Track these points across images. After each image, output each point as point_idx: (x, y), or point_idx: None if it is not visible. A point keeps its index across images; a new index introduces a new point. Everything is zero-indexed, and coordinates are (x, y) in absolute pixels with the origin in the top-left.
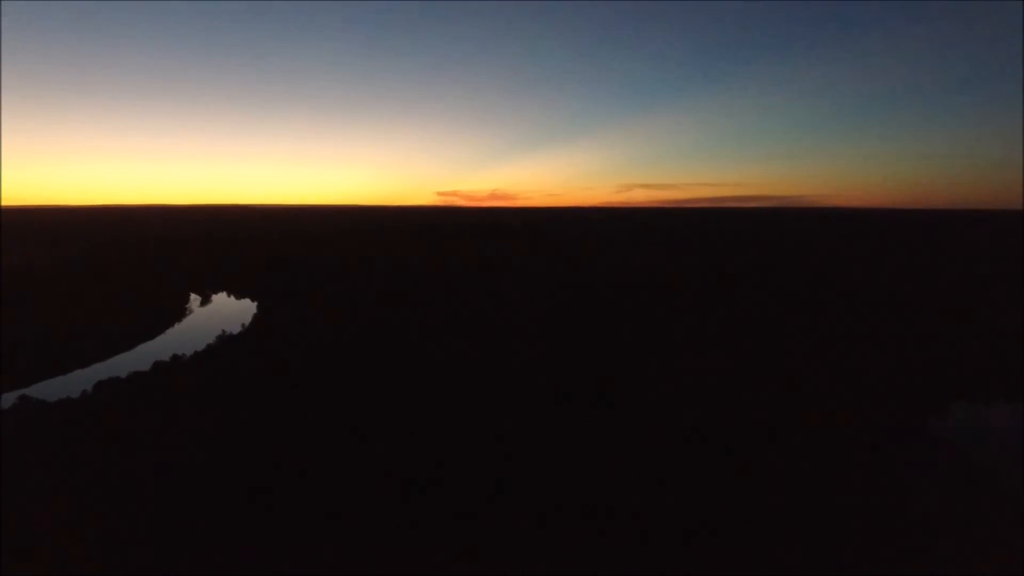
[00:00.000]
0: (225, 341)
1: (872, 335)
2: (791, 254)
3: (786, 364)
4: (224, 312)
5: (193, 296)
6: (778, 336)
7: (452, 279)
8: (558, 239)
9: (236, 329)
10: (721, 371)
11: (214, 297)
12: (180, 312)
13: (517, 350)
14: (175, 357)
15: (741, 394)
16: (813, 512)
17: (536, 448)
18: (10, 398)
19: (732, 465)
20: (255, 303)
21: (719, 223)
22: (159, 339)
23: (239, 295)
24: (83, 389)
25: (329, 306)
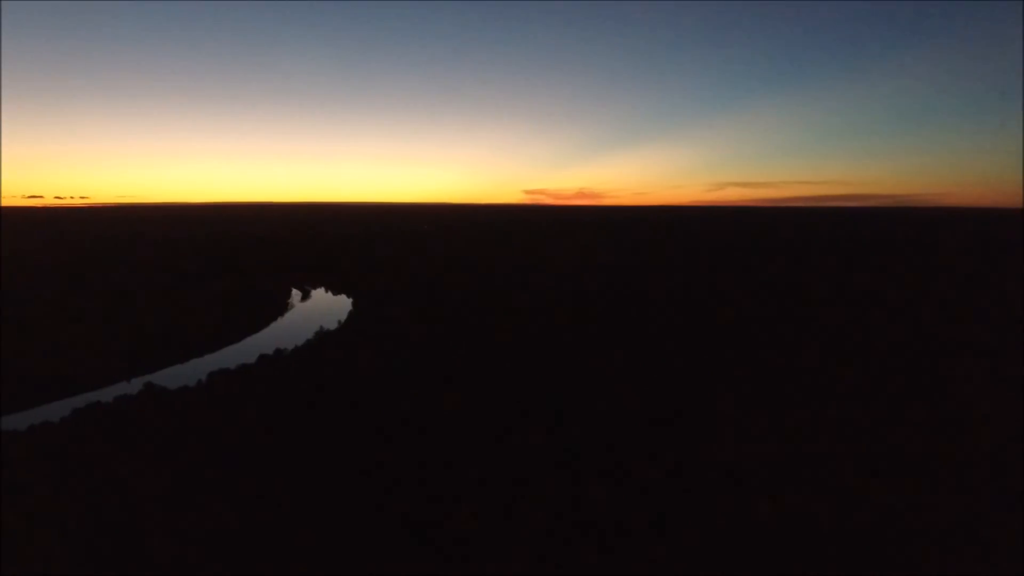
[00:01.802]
0: (323, 337)
1: None
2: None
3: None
4: (322, 308)
5: (294, 292)
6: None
7: (540, 278)
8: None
9: (332, 325)
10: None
11: (313, 293)
12: (282, 307)
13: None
14: (277, 351)
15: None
16: None
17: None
18: (137, 383)
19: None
20: (350, 299)
21: (832, 224)
22: (263, 333)
23: (335, 291)
24: (198, 379)
25: (421, 303)
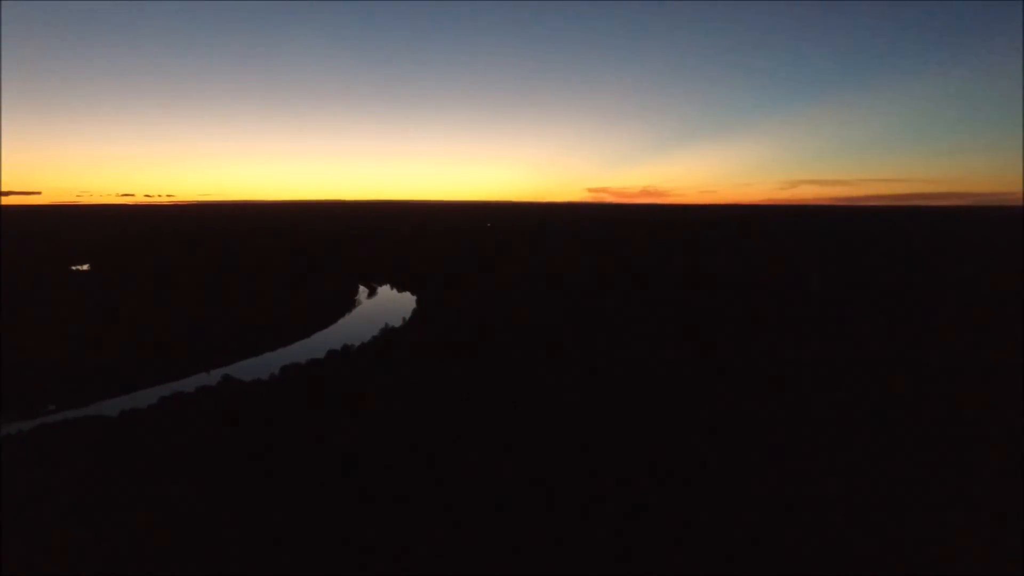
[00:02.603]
0: (388, 333)
1: None
2: None
3: None
4: (387, 304)
5: (361, 288)
6: None
7: (599, 278)
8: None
9: (397, 322)
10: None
11: (379, 289)
12: (350, 303)
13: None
14: (345, 347)
15: None
16: None
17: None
18: (216, 375)
19: None
20: (415, 296)
21: (925, 223)
22: (332, 328)
23: (400, 288)
24: (271, 372)
25: (483, 301)
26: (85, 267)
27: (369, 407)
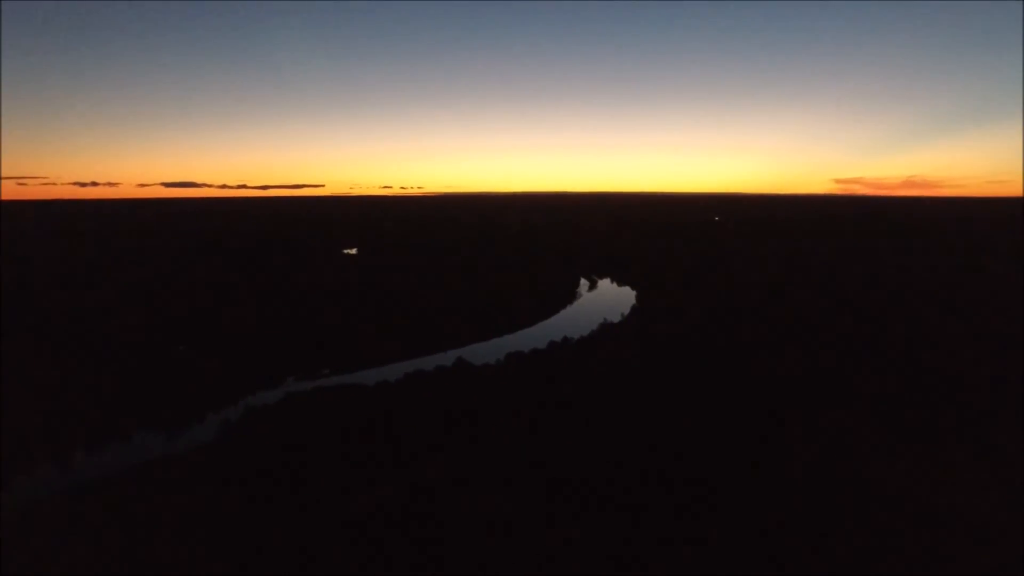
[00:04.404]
0: (606, 329)
1: None
2: None
3: None
4: (607, 298)
5: (583, 281)
6: None
7: (845, 279)
8: None
9: (616, 317)
10: None
11: (600, 283)
12: (571, 295)
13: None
14: (565, 338)
15: None
16: None
17: None
18: (453, 355)
19: None
20: (634, 292)
21: None
22: (553, 319)
23: (621, 282)
24: (496, 358)
25: (704, 304)
26: (353, 251)
27: (583, 402)
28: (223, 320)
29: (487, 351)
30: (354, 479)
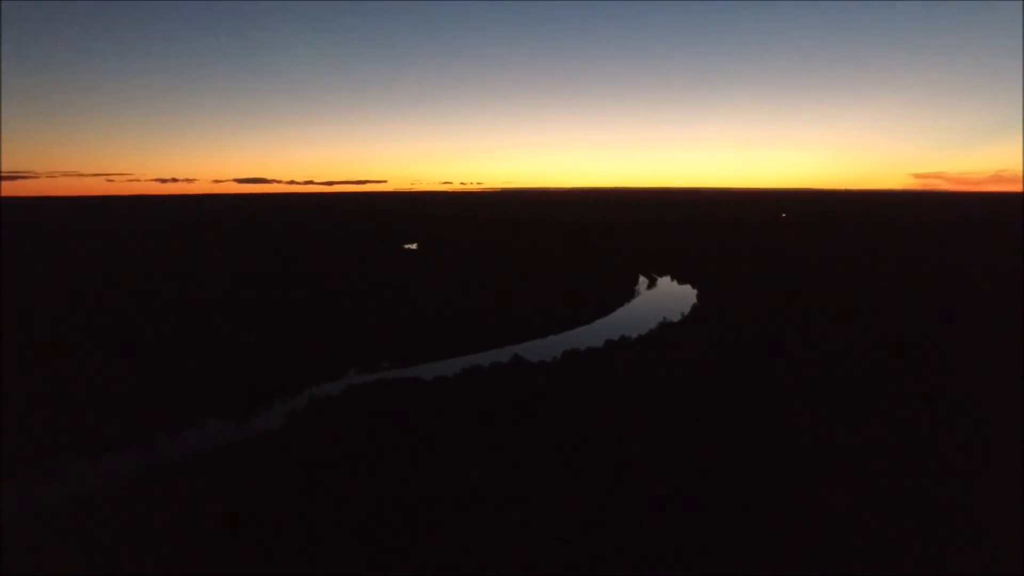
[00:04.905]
0: (664, 328)
1: None
2: None
3: None
4: (666, 297)
5: (641, 278)
6: None
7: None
8: None
9: (675, 317)
10: None
11: (659, 281)
12: (630, 293)
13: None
14: (622, 337)
15: None
16: None
17: None
18: (509, 351)
19: None
20: (695, 291)
21: None
22: (610, 317)
23: (681, 281)
24: (552, 355)
25: (767, 306)
26: (413, 246)
27: (636, 402)
28: (289, 312)
29: (543, 348)
30: (415, 468)
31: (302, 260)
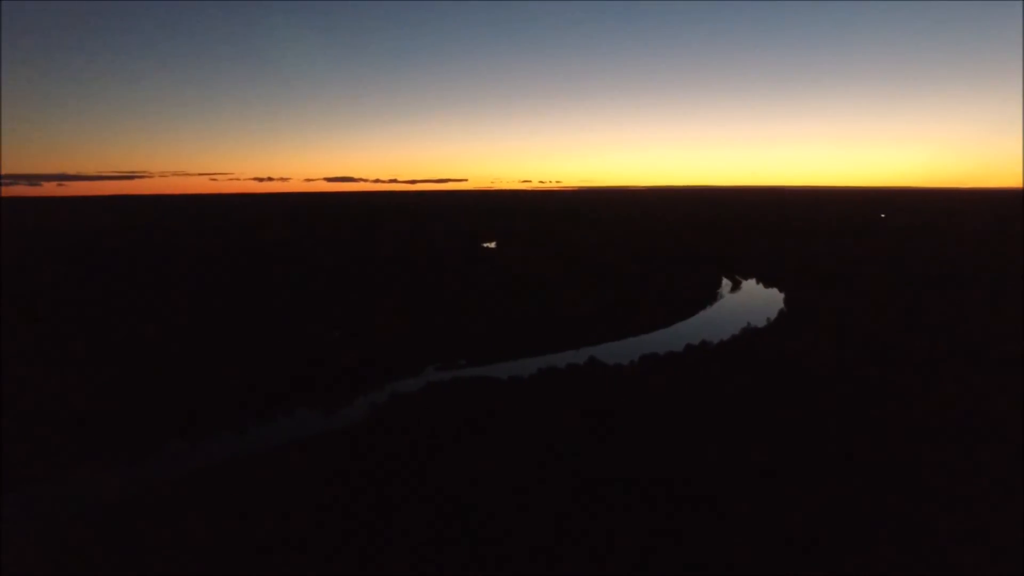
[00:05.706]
0: (749, 333)
1: None
2: None
3: None
4: (751, 300)
5: (724, 280)
6: None
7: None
8: None
9: (761, 322)
10: None
11: (744, 283)
12: (713, 295)
13: None
14: (703, 342)
15: None
16: None
17: None
18: (586, 353)
19: None
20: (782, 294)
21: None
22: (692, 319)
23: (768, 283)
24: (631, 359)
25: (879, 309)
26: (492, 244)
27: (715, 408)
28: (372, 309)
29: (620, 351)
30: (490, 467)
31: (382, 257)
